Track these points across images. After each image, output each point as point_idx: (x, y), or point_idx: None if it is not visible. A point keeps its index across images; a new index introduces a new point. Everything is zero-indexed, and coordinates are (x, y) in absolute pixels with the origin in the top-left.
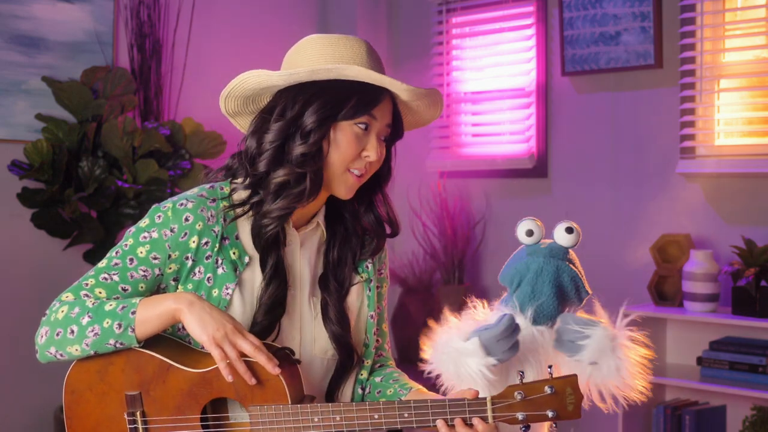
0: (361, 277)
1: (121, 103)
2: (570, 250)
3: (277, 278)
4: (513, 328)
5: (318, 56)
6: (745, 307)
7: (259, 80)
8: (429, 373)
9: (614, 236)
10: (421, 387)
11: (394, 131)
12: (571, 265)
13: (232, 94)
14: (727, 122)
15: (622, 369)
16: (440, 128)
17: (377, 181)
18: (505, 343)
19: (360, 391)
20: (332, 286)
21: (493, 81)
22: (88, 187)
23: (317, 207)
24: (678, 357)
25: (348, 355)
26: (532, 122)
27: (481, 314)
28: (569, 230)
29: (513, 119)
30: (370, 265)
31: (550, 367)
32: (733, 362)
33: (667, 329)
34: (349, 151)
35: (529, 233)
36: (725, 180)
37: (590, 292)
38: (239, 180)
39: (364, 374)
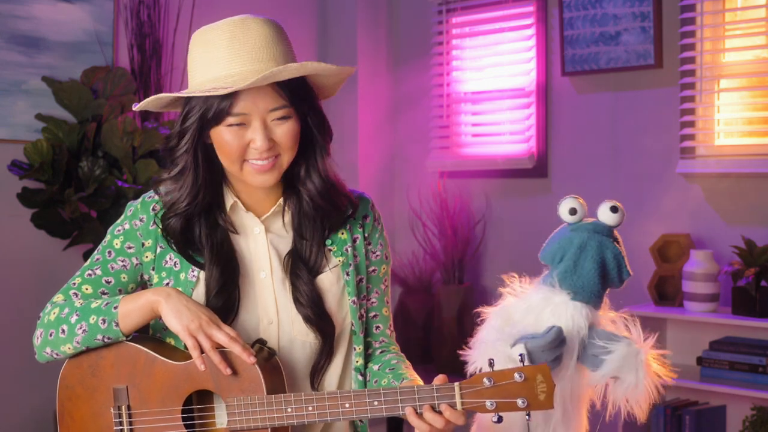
0: (339, 260)
1: (121, 103)
2: (614, 230)
3: (215, 263)
4: (559, 341)
5: (200, 63)
6: (745, 307)
7: (167, 99)
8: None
9: None
10: (416, 378)
11: (299, 101)
12: (615, 243)
13: (148, 107)
14: (727, 122)
15: (640, 386)
16: (440, 128)
17: (312, 149)
18: (550, 354)
19: (360, 378)
20: (299, 266)
21: (493, 81)
22: (88, 187)
23: (271, 192)
24: (678, 357)
25: (324, 339)
26: (532, 122)
27: (519, 291)
28: (614, 209)
29: (513, 119)
30: (350, 249)
31: (521, 355)
32: (733, 362)
33: (667, 329)
34: (232, 150)
35: (572, 211)
36: (725, 180)
37: (631, 273)
38: None
39: (360, 361)
